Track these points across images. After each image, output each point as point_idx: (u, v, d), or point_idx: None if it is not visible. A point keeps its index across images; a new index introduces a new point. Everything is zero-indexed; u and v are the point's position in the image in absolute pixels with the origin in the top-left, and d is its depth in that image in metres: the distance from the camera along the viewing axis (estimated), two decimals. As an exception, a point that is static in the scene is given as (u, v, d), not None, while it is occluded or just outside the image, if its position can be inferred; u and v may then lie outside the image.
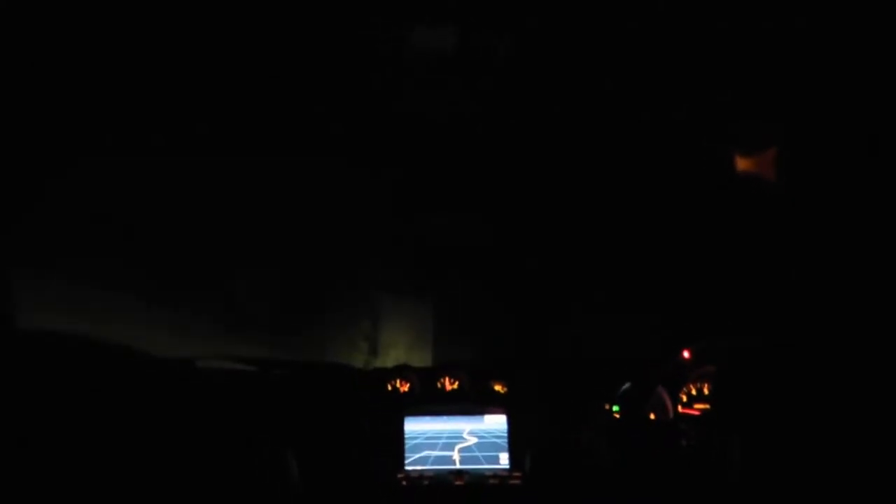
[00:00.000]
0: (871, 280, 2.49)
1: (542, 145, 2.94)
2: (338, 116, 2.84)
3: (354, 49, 2.46)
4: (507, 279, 3.04)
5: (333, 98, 2.69)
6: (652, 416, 2.69)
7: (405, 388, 2.89)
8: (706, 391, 2.62)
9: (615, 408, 2.74)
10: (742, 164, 2.53)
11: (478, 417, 2.78)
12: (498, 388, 2.88)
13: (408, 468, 2.74)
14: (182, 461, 2.54)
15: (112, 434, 2.43)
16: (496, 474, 2.72)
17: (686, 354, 2.68)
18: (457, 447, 2.75)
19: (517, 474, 2.71)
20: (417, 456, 2.75)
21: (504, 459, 2.73)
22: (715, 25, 2.35)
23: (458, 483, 2.70)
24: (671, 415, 2.66)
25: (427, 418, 2.78)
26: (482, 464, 2.73)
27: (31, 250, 2.72)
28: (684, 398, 2.65)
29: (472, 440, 2.75)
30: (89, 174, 2.84)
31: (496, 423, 2.77)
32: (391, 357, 3.03)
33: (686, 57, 2.51)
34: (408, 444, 2.76)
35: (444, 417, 2.78)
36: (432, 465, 2.74)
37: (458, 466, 2.73)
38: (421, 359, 3.01)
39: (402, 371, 2.92)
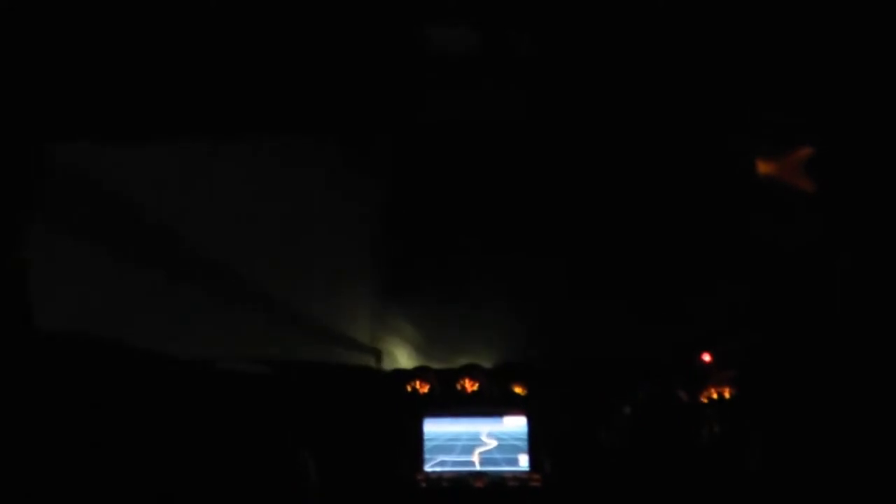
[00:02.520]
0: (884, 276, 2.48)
1: (559, 145, 2.95)
2: (353, 119, 2.85)
3: (367, 49, 2.48)
4: (527, 280, 3.05)
5: (342, 99, 2.70)
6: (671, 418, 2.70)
7: (425, 389, 2.90)
8: (727, 395, 2.62)
9: (635, 410, 2.74)
10: (764, 167, 2.53)
11: (497, 419, 2.78)
12: (518, 389, 2.88)
13: (427, 470, 2.74)
14: (202, 460, 2.55)
15: (131, 433, 2.44)
16: (516, 476, 2.72)
17: (707, 358, 2.68)
18: (476, 449, 2.76)
19: (537, 476, 2.71)
20: (437, 458, 2.76)
21: (524, 461, 2.74)
22: (735, 25, 2.35)
23: (477, 485, 2.71)
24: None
25: (447, 420, 2.79)
26: (502, 466, 2.74)
27: (49, 248, 2.75)
28: (705, 401, 2.66)
29: (492, 442, 2.76)
30: (103, 169, 2.86)
31: (516, 424, 2.77)
32: (410, 358, 3.04)
33: (710, 59, 2.50)
34: (427, 445, 2.76)
35: (464, 419, 2.79)
36: (451, 466, 2.74)
37: (477, 468, 2.73)
38: (441, 360, 3.02)
39: (421, 372, 2.93)
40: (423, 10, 2.46)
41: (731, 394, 2.61)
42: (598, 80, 2.68)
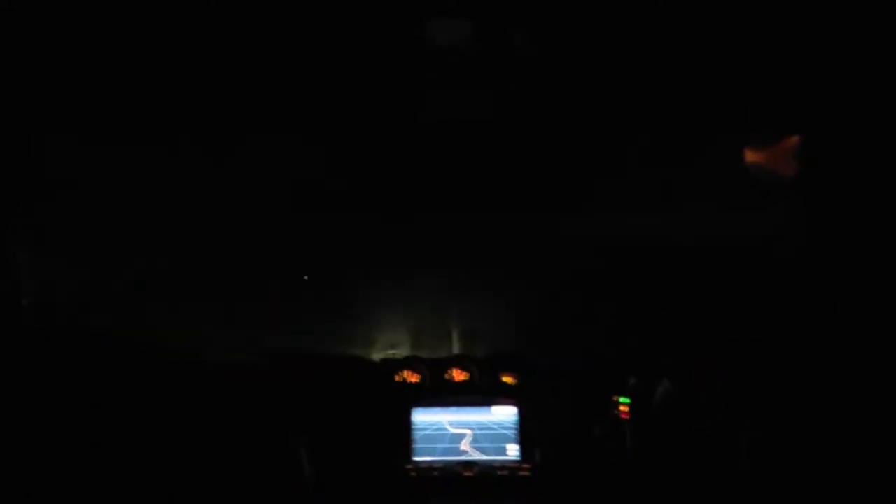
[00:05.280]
0: (882, 276, 2.45)
1: (554, 142, 2.92)
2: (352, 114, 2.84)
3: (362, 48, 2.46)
4: (518, 273, 3.04)
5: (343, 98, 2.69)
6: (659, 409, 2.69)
7: (415, 379, 2.91)
8: (718, 387, 2.62)
9: (624, 400, 2.74)
10: (751, 156, 2.50)
11: (487, 409, 2.79)
12: (507, 379, 2.89)
13: (416, 459, 2.76)
14: (196, 450, 2.58)
15: (126, 425, 2.47)
16: (505, 465, 2.74)
17: (695, 354, 2.68)
18: (465, 438, 2.77)
19: (526, 466, 2.73)
20: (426, 447, 2.77)
21: (513, 451, 2.75)
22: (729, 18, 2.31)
23: (467, 474, 2.73)
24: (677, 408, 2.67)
25: (436, 410, 2.80)
26: (491, 455, 2.75)
27: (54, 234, 2.78)
28: (695, 392, 2.65)
29: (482, 432, 2.77)
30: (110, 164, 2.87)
31: (505, 414, 2.78)
32: (401, 348, 3.06)
33: (698, 50, 2.47)
34: (416, 435, 2.78)
35: (454, 409, 2.80)
36: (441, 456, 2.76)
37: (466, 458, 2.75)
38: (431, 350, 3.03)
39: (411, 362, 2.94)
40: (420, 8, 2.44)
41: (721, 386, 2.60)
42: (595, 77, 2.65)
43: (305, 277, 3.01)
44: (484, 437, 2.77)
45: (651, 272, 2.89)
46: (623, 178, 2.90)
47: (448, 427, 2.79)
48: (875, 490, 2.28)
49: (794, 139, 2.47)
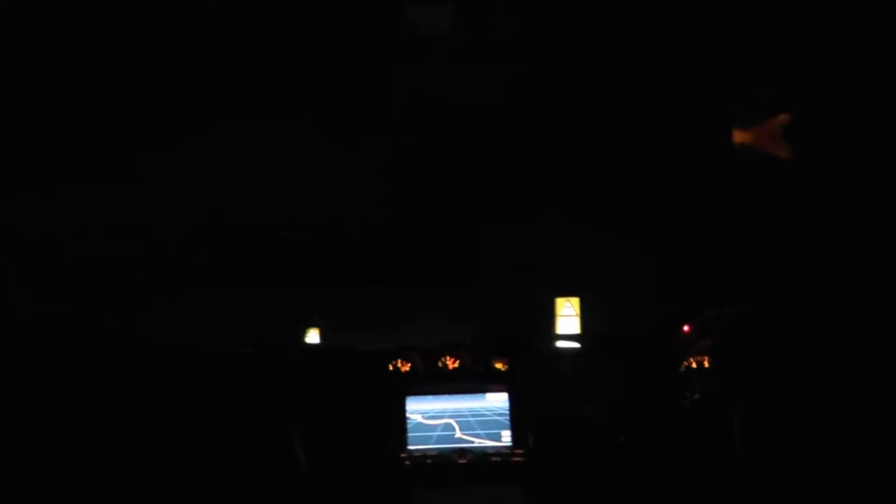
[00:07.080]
0: (872, 255, 2.48)
1: (542, 126, 2.93)
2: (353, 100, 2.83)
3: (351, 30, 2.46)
4: (509, 257, 3.05)
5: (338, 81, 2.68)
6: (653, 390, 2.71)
7: (407, 367, 2.90)
8: (706, 364, 2.63)
9: (616, 381, 2.76)
10: (740, 136, 2.52)
11: (480, 396, 2.78)
12: (499, 365, 2.88)
13: (410, 448, 2.75)
14: (190, 442, 2.54)
15: (119, 417, 2.43)
16: (499, 452, 2.73)
17: (686, 329, 2.69)
18: (459, 426, 2.76)
19: (519, 451, 2.72)
20: (420, 435, 2.76)
21: (506, 437, 2.75)
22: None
23: (461, 461, 2.72)
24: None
25: (429, 398, 2.79)
26: (485, 442, 2.74)
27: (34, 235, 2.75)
28: (685, 371, 2.67)
29: (475, 418, 2.76)
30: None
31: (498, 400, 2.78)
32: (392, 337, 3.05)
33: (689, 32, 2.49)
34: (410, 423, 2.77)
35: (447, 396, 2.79)
36: (435, 444, 2.75)
37: (460, 445, 2.74)
38: (423, 338, 3.02)
39: (403, 351, 2.93)
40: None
41: (710, 363, 2.62)
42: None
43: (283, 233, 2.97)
44: (477, 423, 2.76)
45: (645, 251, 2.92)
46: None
47: (442, 415, 2.77)
48: (874, 484, 2.29)
49: (782, 117, 2.49)
